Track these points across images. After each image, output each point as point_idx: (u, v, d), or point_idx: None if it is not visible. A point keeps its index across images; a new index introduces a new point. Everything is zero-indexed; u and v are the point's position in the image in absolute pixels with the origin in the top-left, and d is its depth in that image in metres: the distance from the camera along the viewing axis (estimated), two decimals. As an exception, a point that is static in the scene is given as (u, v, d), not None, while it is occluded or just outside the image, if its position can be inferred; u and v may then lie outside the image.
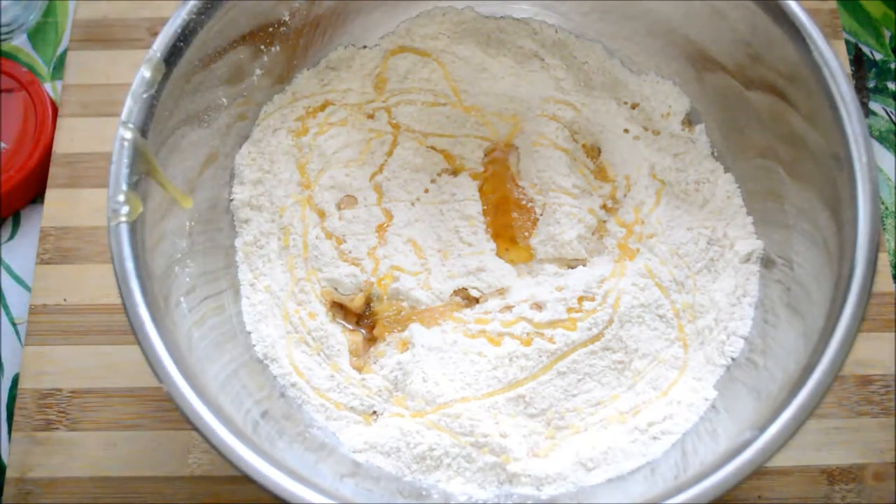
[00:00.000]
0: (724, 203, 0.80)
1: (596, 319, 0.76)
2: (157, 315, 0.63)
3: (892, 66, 0.95)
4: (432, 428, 0.73)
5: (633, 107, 0.86)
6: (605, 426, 0.74)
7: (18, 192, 0.88)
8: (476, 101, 0.87)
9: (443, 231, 0.82)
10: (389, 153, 0.85)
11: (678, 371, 0.76)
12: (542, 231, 0.82)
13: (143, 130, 0.67)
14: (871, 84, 0.94)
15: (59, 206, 0.87)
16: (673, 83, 0.85)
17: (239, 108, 0.80)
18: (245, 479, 0.59)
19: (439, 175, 0.85)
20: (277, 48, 0.81)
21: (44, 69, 0.96)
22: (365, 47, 0.88)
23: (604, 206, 0.84)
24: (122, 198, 0.65)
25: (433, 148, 0.86)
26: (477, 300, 0.80)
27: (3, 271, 0.87)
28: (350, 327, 0.79)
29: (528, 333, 0.77)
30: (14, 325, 0.85)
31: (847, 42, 0.95)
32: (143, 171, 0.67)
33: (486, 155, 0.86)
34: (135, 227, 0.65)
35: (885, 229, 0.88)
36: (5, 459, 0.79)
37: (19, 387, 0.80)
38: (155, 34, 0.72)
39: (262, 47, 0.80)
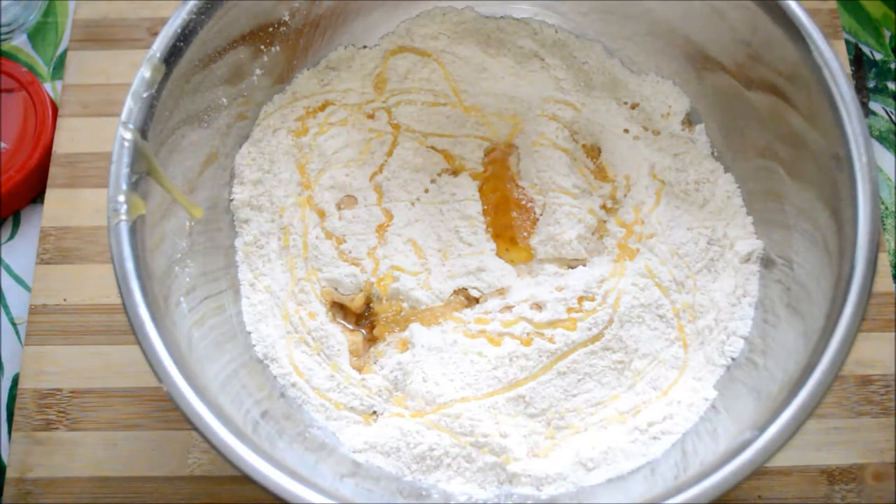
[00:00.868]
0: (724, 203, 0.80)
1: (596, 319, 0.76)
2: (157, 315, 0.63)
3: (892, 66, 0.95)
4: (432, 428, 0.73)
5: (633, 107, 0.86)
6: (605, 426, 0.74)
7: (18, 191, 0.88)
8: (476, 101, 0.87)
9: (443, 231, 0.82)
10: (389, 153, 0.85)
11: (678, 371, 0.76)
12: (542, 231, 0.82)
13: (143, 130, 0.67)
14: (871, 84, 0.94)
15: (59, 206, 0.87)
16: (673, 83, 0.85)
17: (239, 108, 0.80)
18: (245, 479, 0.59)
19: (439, 175, 0.85)
20: (277, 48, 0.81)
21: (44, 69, 0.96)
22: (365, 47, 0.88)
23: (604, 206, 0.84)
24: (122, 198, 0.65)
25: (433, 148, 0.86)
26: (477, 300, 0.80)
27: (3, 271, 0.87)
28: (350, 327, 0.79)
29: (528, 333, 0.77)
30: (14, 325, 0.85)
31: (847, 42, 0.95)
32: (143, 170, 0.67)
33: (486, 155, 0.86)
34: (135, 227, 0.65)
35: (885, 229, 0.88)
36: (5, 459, 0.79)
37: (19, 387, 0.80)
38: (155, 34, 0.72)
39: (262, 47, 0.80)
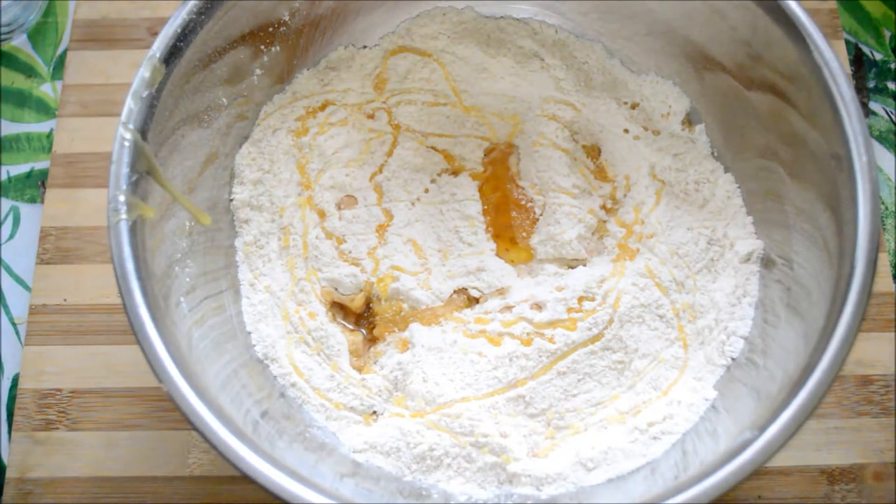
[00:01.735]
0: (724, 203, 0.80)
1: (596, 319, 0.76)
2: (157, 315, 0.63)
3: (892, 66, 0.95)
4: (432, 428, 0.73)
5: (633, 107, 0.86)
6: (605, 426, 0.74)
7: None
8: (476, 101, 0.87)
9: (443, 231, 0.82)
10: (389, 153, 0.85)
11: (678, 371, 0.76)
12: (542, 231, 0.82)
13: (143, 130, 0.67)
14: (871, 84, 0.94)
15: (59, 206, 0.87)
16: (673, 83, 0.85)
17: (239, 108, 0.80)
18: (245, 479, 0.59)
19: (439, 175, 0.85)
20: (277, 48, 0.81)
21: (44, 69, 0.96)
22: (365, 47, 0.88)
23: (604, 207, 0.84)
24: (122, 197, 0.65)
25: (433, 148, 0.86)
26: (477, 300, 0.80)
27: (3, 271, 0.87)
28: (350, 327, 0.80)
29: (528, 333, 0.77)
30: (14, 325, 0.85)
31: (847, 42, 0.95)
32: (143, 170, 0.67)
33: (486, 155, 0.86)
34: (135, 227, 0.65)
35: (885, 229, 0.88)
36: (5, 459, 0.79)
37: (19, 387, 0.80)
38: (155, 34, 0.72)
39: (262, 47, 0.80)
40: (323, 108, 0.85)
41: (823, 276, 0.67)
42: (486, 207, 0.84)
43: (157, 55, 0.69)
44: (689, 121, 0.85)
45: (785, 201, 0.75)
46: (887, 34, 0.96)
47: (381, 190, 0.84)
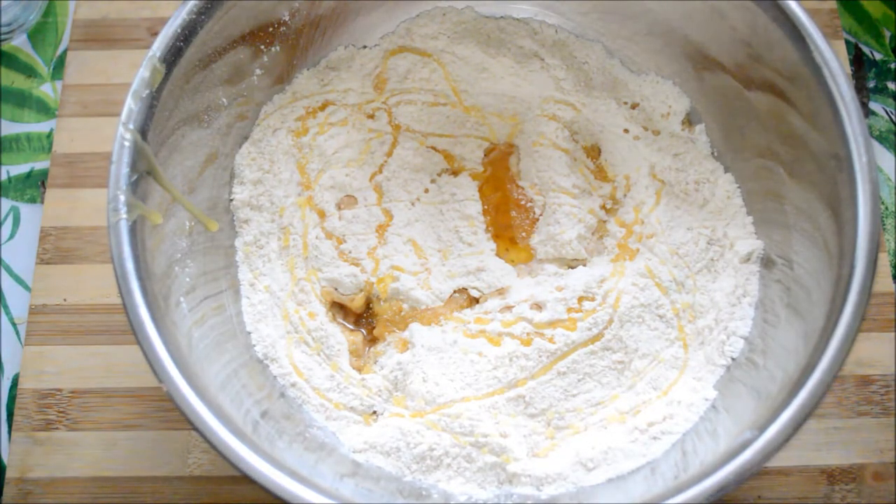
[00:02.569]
0: (724, 203, 0.80)
1: (596, 319, 0.76)
2: (157, 315, 0.63)
3: (892, 66, 0.95)
4: (432, 428, 0.73)
5: (633, 107, 0.86)
6: (605, 426, 0.74)
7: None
8: (476, 101, 0.87)
9: (443, 231, 0.82)
10: (389, 153, 0.85)
11: (678, 371, 0.76)
12: (542, 231, 0.82)
13: (143, 131, 0.67)
14: (871, 84, 0.94)
15: (59, 206, 0.87)
16: (673, 83, 0.85)
17: (239, 108, 0.80)
18: (245, 479, 0.59)
19: (439, 175, 0.85)
20: (277, 48, 0.81)
21: (44, 69, 0.96)
22: (365, 47, 0.88)
23: (603, 207, 0.84)
24: (122, 198, 0.65)
25: (433, 148, 0.86)
26: (477, 300, 0.80)
27: (3, 271, 0.87)
28: (350, 327, 0.79)
29: (528, 333, 0.77)
30: (14, 325, 0.85)
31: (847, 42, 0.95)
32: (143, 170, 0.67)
33: (486, 155, 0.86)
34: (135, 227, 0.65)
35: (885, 229, 0.88)
36: (5, 459, 0.79)
37: (19, 387, 0.80)
38: (155, 34, 0.72)
39: (262, 47, 0.80)
40: (323, 108, 0.85)
41: (823, 276, 0.67)
42: (486, 207, 0.84)
43: (157, 55, 0.69)
44: (689, 121, 0.85)
45: (785, 201, 0.75)
46: (887, 34, 0.96)
47: (381, 190, 0.84)
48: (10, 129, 0.93)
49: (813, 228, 0.70)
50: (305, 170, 0.83)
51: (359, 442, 0.73)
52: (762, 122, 0.77)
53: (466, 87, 0.87)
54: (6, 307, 0.86)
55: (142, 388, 0.80)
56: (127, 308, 0.62)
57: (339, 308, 0.80)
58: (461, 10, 0.89)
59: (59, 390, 0.80)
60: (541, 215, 0.83)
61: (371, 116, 0.86)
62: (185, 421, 0.60)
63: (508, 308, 0.78)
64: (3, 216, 0.89)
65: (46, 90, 0.94)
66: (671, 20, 0.81)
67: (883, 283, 0.83)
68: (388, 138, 0.85)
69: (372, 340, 0.79)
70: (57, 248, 0.85)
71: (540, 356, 0.75)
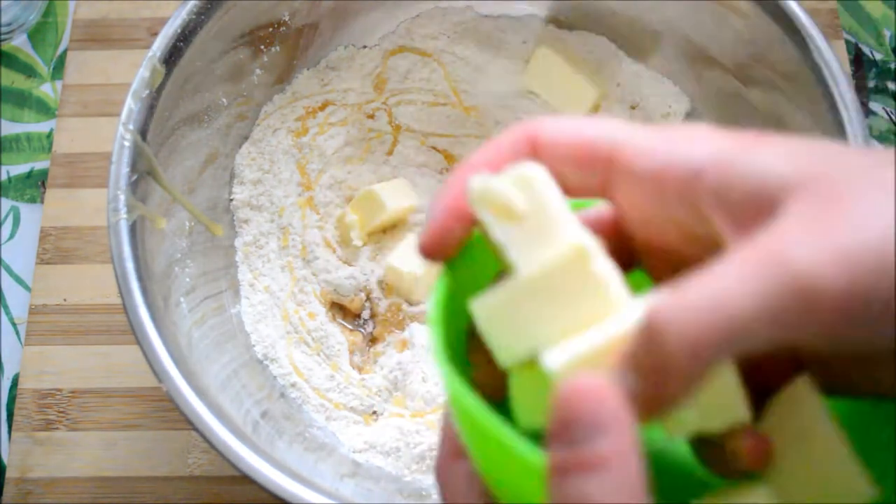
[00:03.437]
0: (724, 203, 0.80)
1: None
2: (157, 315, 0.63)
3: (892, 66, 0.95)
4: (432, 428, 0.73)
5: (633, 107, 0.86)
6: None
7: None
8: (476, 101, 0.87)
9: (443, 231, 0.82)
10: (389, 153, 0.85)
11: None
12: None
13: (143, 131, 0.67)
14: (871, 84, 0.94)
15: (59, 206, 0.87)
16: (673, 83, 0.85)
17: (239, 108, 0.80)
18: (245, 479, 0.59)
19: (440, 174, 0.85)
20: (277, 48, 0.81)
21: (44, 69, 0.96)
22: (365, 47, 0.88)
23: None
24: (122, 198, 0.65)
25: (434, 148, 0.86)
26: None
27: (3, 271, 0.87)
28: (350, 327, 0.80)
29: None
30: (14, 325, 0.85)
31: (847, 42, 0.95)
32: (143, 171, 0.67)
33: (485, 155, 0.86)
34: (135, 227, 0.65)
35: (885, 229, 0.88)
36: (5, 459, 0.79)
37: (19, 387, 0.80)
38: (155, 34, 0.72)
39: (262, 47, 0.80)
40: (323, 108, 0.85)
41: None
42: (486, 207, 0.84)
43: (158, 55, 0.69)
44: (689, 120, 0.85)
45: (785, 201, 0.75)
46: (887, 34, 0.96)
47: (381, 190, 0.84)
48: (9, 129, 0.93)
49: (813, 228, 0.70)
50: (306, 170, 0.83)
51: (359, 442, 0.73)
52: (762, 121, 0.77)
53: (466, 87, 0.87)
54: (6, 307, 0.86)
55: (142, 388, 0.80)
56: (127, 308, 0.62)
57: (338, 308, 0.80)
58: (462, 9, 0.89)
59: (59, 390, 0.80)
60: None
61: (371, 116, 0.86)
62: (185, 421, 0.60)
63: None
64: (3, 216, 0.89)
65: (46, 90, 0.94)
66: (671, 19, 0.81)
67: (883, 283, 0.83)
68: (389, 138, 0.85)
69: (372, 340, 0.80)
70: (57, 248, 0.85)
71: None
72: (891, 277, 0.26)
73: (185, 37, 0.70)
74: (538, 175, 0.33)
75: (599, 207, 0.36)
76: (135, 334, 0.62)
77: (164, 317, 0.64)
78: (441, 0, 0.88)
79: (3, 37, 0.95)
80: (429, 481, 0.71)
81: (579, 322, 0.31)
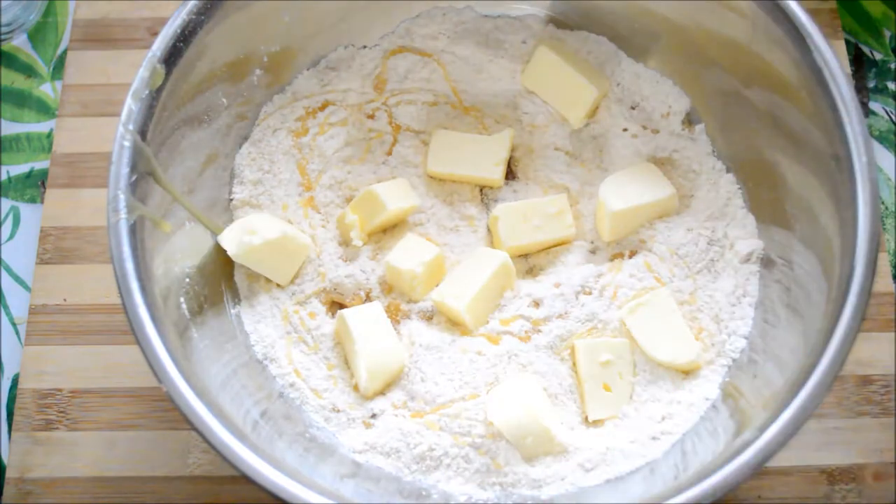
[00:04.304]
0: (725, 203, 0.80)
1: (593, 311, 0.76)
2: (156, 315, 0.63)
3: (892, 66, 0.95)
4: (432, 428, 0.73)
5: (633, 106, 0.86)
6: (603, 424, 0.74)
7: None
8: (475, 101, 0.87)
9: (443, 231, 0.82)
10: (389, 153, 0.85)
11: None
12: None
13: (142, 131, 0.67)
14: (871, 84, 0.94)
15: (59, 206, 0.87)
16: (673, 83, 0.85)
17: (239, 109, 0.80)
18: (245, 479, 0.59)
19: (439, 175, 0.85)
20: (277, 48, 0.81)
21: (44, 69, 0.96)
22: (365, 47, 0.88)
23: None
24: (122, 198, 0.65)
25: (433, 148, 0.86)
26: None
27: (3, 271, 0.87)
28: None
29: (526, 331, 0.77)
30: (14, 325, 0.85)
31: (847, 42, 0.95)
32: (143, 171, 0.67)
33: (485, 155, 0.86)
34: (135, 228, 0.65)
35: (885, 229, 0.88)
36: (5, 459, 0.79)
37: (19, 387, 0.80)
38: (155, 34, 0.72)
39: (262, 47, 0.80)
40: (323, 108, 0.85)
41: (823, 277, 0.67)
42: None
43: (158, 55, 0.69)
44: (689, 120, 0.85)
45: (785, 201, 0.75)
46: (887, 34, 0.96)
47: (381, 190, 0.83)
48: (10, 129, 0.93)
49: (813, 228, 0.70)
50: (306, 170, 0.83)
51: (359, 443, 0.73)
52: (762, 121, 0.77)
53: (466, 87, 0.87)
54: (6, 307, 0.86)
55: (142, 388, 0.80)
56: (127, 308, 0.62)
57: (339, 307, 0.80)
58: (461, 9, 0.89)
59: (59, 390, 0.80)
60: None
61: (371, 116, 0.86)
62: (185, 421, 0.60)
63: (506, 306, 0.78)
64: (3, 216, 0.89)
65: (46, 90, 0.94)
66: (671, 19, 0.81)
67: (883, 283, 0.83)
68: (388, 138, 0.85)
69: (372, 340, 0.79)
70: (57, 248, 0.85)
71: (538, 352, 0.75)
72: None
73: (184, 37, 0.70)
74: None
75: None
76: (135, 334, 0.62)
77: (164, 317, 0.64)
78: (441, 0, 0.88)
79: (3, 37, 0.95)
80: (429, 481, 0.71)
81: None
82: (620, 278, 0.78)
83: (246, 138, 0.82)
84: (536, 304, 0.78)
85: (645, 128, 0.85)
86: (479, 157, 0.83)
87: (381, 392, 0.75)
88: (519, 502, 0.69)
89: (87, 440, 0.79)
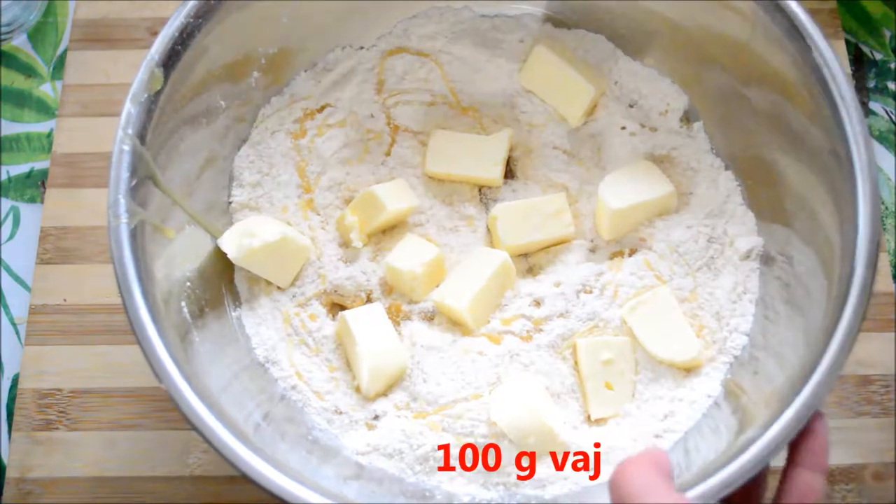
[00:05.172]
0: (724, 200, 0.80)
1: (594, 309, 0.76)
2: (158, 317, 0.63)
3: (892, 66, 0.95)
4: (434, 429, 0.73)
5: (631, 105, 0.86)
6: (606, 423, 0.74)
7: None
8: (473, 101, 0.87)
9: (442, 231, 0.82)
10: (388, 153, 0.85)
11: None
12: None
13: (141, 134, 0.67)
14: (871, 84, 0.94)
15: (59, 206, 0.87)
16: (671, 81, 0.85)
17: (237, 111, 0.80)
18: (245, 480, 0.59)
19: (439, 175, 0.85)
20: (275, 50, 0.81)
21: (44, 69, 0.95)
22: (362, 48, 0.87)
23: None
24: (122, 202, 0.65)
25: (433, 148, 0.85)
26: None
27: (3, 271, 0.87)
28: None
29: (527, 331, 0.77)
30: (14, 325, 0.85)
31: (847, 42, 0.95)
32: (142, 175, 0.67)
33: (485, 154, 0.86)
34: (135, 231, 0.65)
35: (885, 229, 0.88)
36: (5, 459, 0.79)
37: (19, 387, 0.80)
38: (155, 34, 0.72)
39: (260, 49, 0.80)
40: (321, 109, 0.85)
41: (823, 273, 0.67)
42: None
43: (156, 59, 0.69)
44: (688, 118, 0.85)
45: (784, 199, 0.75)
46: (887, 34, 0.96)
47: (381, 190, 0.83)
48: (9, 129, 0.93)
49: (812, 225, 0.70)
50: (305, 172, 0.82)
51: (362, 444, 0.73)
52: (761, 120, 0.77)
53: (463, 87, 0.87)
54: (6, 307, 0.86)
55: (142, 388, 0.80)
56: (127, 309, 0.62)
57: (339, 309, 0.79)
58: (458, 9, 0.88)
59: (59, 390, 0.80)
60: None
61: (370, 117, 0.86)
62: (185, 421, 0.60)
63: (508, 306, 0.78)
64: (3, 216, 0.89)
65: (46, 90, 0.94)
66: (670, 18, 0.81)
67: (883, 283, 0.83)
68: (387, 139, 0.85)
69: (372, 340, 0.79)
70: (57, 248, 0.85)
71: (539, 351, 0.75)
72: None
73: (182, 40, 0.70)
74: None
75: None
76: (135, 334, 0.62)
77: (165, 319, 0.64)
78: (438, 0, 0.88)
79: (3, 37, 0.95)
80: (432, 482, 0.71)
81: None
82: (621, 277, 0.78)
83: (244, 140, 0.82)
84: (537, 303, 0.78)
85: (643, 126, 0.85)
86: (478, 157, 0.83)
87: (384, 393, 0.75)
88: (523, 502, 0.69)
89: (87, 440, 0.79)
